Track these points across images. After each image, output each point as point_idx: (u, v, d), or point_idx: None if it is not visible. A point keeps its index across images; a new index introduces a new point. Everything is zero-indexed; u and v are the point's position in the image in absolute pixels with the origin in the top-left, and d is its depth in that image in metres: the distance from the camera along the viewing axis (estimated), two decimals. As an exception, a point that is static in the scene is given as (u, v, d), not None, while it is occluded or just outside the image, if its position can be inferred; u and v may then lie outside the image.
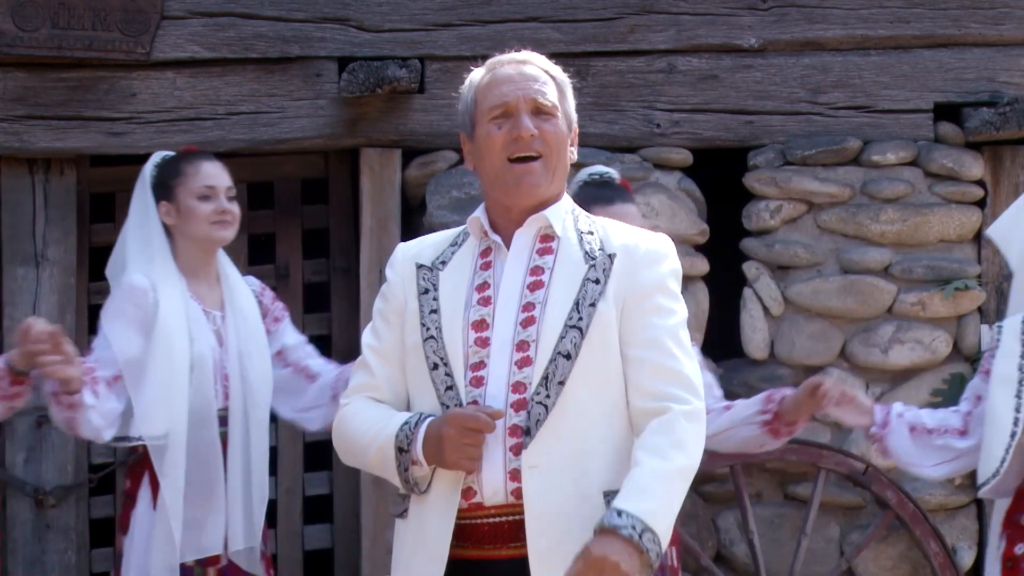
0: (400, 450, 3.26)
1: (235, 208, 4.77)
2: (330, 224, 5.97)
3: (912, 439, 4.52)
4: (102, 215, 5.88)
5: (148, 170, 4.81)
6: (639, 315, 3.30)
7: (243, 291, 4.81)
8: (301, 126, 5.69)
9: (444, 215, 5.52)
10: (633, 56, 5.80)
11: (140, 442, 4.58)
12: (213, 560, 4.63)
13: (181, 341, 4.59)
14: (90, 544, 5.75)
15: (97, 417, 4.48)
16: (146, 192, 4.78)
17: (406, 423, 3.27)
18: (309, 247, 5.99)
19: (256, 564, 4.69)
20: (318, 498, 5.98)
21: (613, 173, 4.85)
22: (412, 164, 5.75)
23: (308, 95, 5.69)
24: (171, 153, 4.87)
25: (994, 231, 4.77)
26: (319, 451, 5.93)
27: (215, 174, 4.76)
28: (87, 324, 5.80)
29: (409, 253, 3.45)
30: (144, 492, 4.61)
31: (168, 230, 4.76)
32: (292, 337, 4.90)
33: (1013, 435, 4.33)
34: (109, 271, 4.82)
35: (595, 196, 4.58)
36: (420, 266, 3.40)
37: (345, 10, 5.70)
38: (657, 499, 3.15)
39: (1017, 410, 4.34)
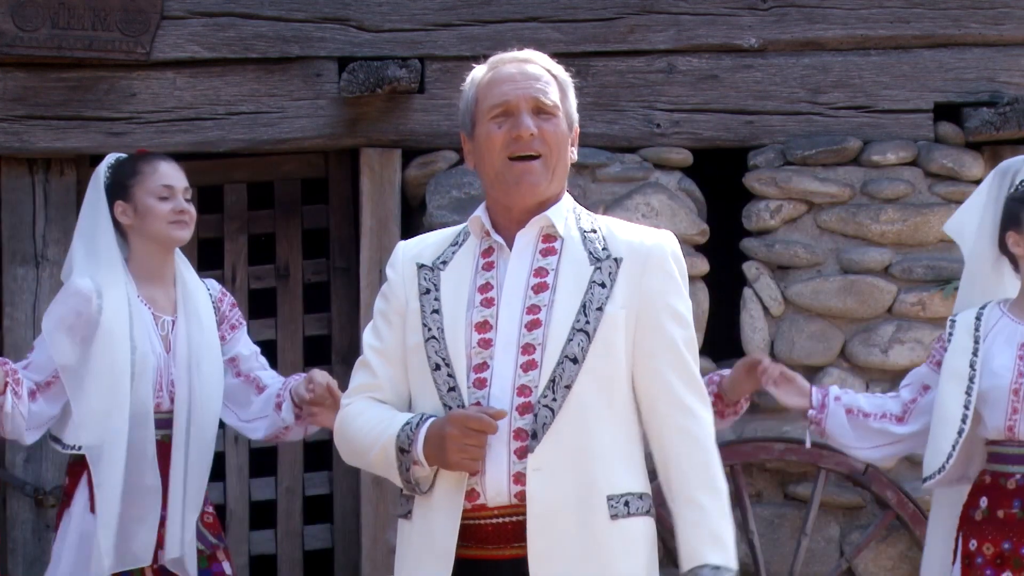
0: (401, 450, 3.25)
1: (192, 209, 4.69)
2: (330, 224, 5.97)
3: (849, 421, 4.54)
4: (102, 215, 5.88)
5: (102, 171, 4.71)
6: (655, 321, 3.31)
7: (199, 295, 4.73)
8: (301, 126, 5.70)
9: (444, 215, 5.52)
10: (633, 56, 5.80)
11: (77, 451, 4.51)
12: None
13: (122, 348, 4.51)
14: (90, 544, 5.74)
15: (19, 420, 4.44)
16: (99, 193, 4.68)
17: (407, 423, 3.26)
18: (309, 247, 5.99)
19: (187, 570, 4.58)
20: (318, 498, 5.98)
21: None
22: (412, 164, 5.75)
23: (308, 95, 5.70)
24: (123, 155, 4.79)
25: (949, 227, 4.78)
26: (319, 451, 5.93)
27: (173, 174, 4.68)
28: (87, 324, 5.81)
29: (410, 252, 3.43)
30: (81, 492, 4.56)
31: (122, 232, 4.67)
32: (246, 347, 4.81)
33: (961, 432, 4.35)
34: (63, 275, 4.73)
35: None
36: (421, 266, 3.38)
37: (345, 10, 5.70)
38: (732, 538, 3.26)
39: (966, 407, 4.36)
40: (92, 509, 4.51)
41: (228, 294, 4.85)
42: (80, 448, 4.50)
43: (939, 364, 4.48)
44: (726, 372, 4.65)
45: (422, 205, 5.74)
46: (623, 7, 5.78)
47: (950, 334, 4.47)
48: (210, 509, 4.71)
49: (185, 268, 4.75)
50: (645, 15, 5.79)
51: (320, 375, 4.58)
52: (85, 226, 4.70)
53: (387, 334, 3.38)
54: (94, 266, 4.60)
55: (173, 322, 4.65)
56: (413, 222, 5.74)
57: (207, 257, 5.91)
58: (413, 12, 5.72)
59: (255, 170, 5.93)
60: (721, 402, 4.61)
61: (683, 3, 5.80)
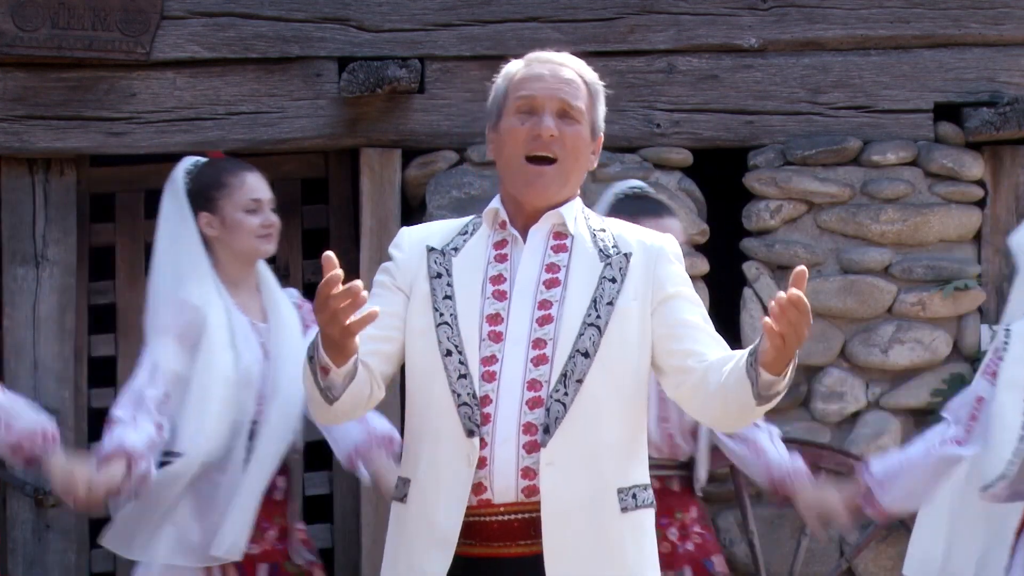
0: (310, 359, 3.21)
1: (277, 220, 4.67)
2: (330, 224, 5.97)
3: (903, 481, 4.47)
4: (102, 215, 5.88)
5: (180, 178, 4.64)
6: (675, 306, 3.32)
7: (284, 301, 4.69)
8: (301, 126, 5.70)
9: (444, 215, 5.52)
10: (633, 56, 5.80)
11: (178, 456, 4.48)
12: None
13: (224, 358, 4.48)
14: (90, 544, 5.75)
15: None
16: (181, 201, 4.62)
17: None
18: (309, 247, 5.99)
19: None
20: (318, 498, 5.98)
21: (648, 188, 4.88)
22: (412, 164, 5.76)
23: (308, 95, 5.70)
24: (200, 159, 4.71)
25: (1013, 240, 4.75)
26: (319, 451, 5.93)
27: (260, 187, 4.64)
28: (87, 324, 5.81)
29: (416, 235, 3.43)
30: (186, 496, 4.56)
31: (205, 241, 4.61)
32: None
33: (1022, 439, 4.31)
34: (153, 284, 4.64)
35: (641, 208, 4.58)
36: (431, 249, 3.38)
37: (345, 10, 5.71)
38: None
39: None
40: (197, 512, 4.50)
41: (306, 301, 4.73)
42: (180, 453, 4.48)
43: (994, 375, 4.42)
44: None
45: (422, 205, 5.74)
46: (623, 7, 5.78)
47: (1005, 343, 4.42)
48: (302, 526, 4.71)
49: (267, 274, 4.71)
50: (645, 15, 5.79)
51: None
52: (174, 235, 4.63)
53: (390, 301, 3.33)
54: (192, 275, 4.55)
55: (267, 329, 4.60)
56: (413, 222, 5.71)
57: (207, 257, 5.91)
58: (413, 12, 5.72)
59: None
60: None
61: (683, 3, 5.80)
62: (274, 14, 5.68)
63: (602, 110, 3.43)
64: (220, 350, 4.49)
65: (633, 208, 4.56)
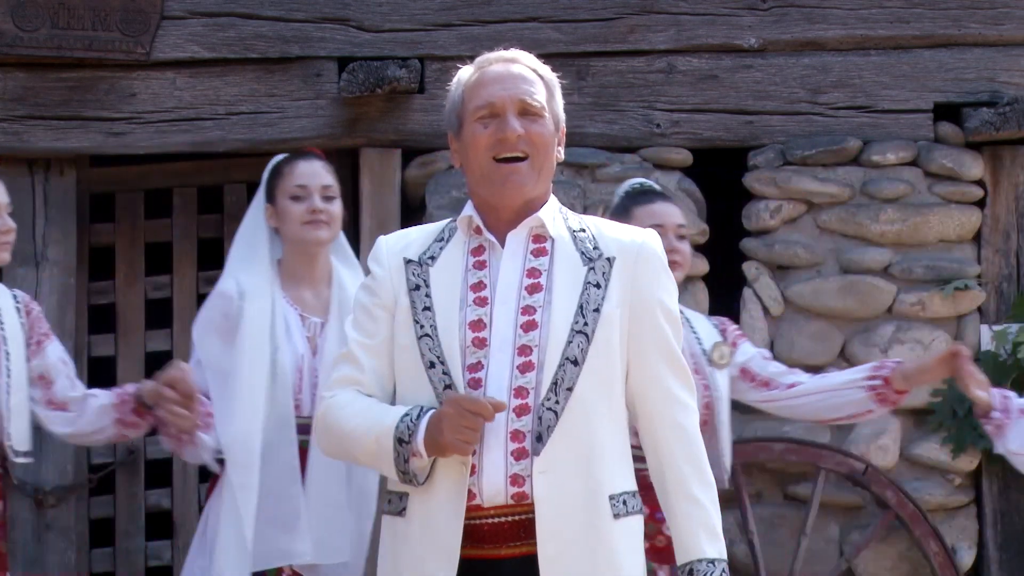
0: (400, 441, 3.22)
1: (333, 207, 4.64)
2: (330, 224, 5.97)
3: None
4: (102, 215, 5.88)
5: (265, 174, 4.72)
6: (650, 318, 3.33)
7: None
8: (301, 126, 5.70)
9: (444, 215, 5.51)
10: (633, 56, 5.80)
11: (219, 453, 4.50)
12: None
13: (262, 349, 4.47)
14: (90, 544, 5.75)
15: (205, 452, 4.46)
16: (260, 194, 4.72)
17: (407, 415, 3.23)
18: (309, 247, 5.98)
19: None
20: (318, 498, 5.97)
21: (649, 182, 4.90)
22: (412, 164, 5.76)
23: (308, 95, 5.70)
24: (286, 154, 4.80)
25: None
26: (319, 451, 5.92)
27: (308, 173, 4.63)
28: (87, 324, 5.81)
29: (394, 247, 3.41)
30: (215, 496, 4.54)
31: (279, 233, 4.66)
32: None
33: None
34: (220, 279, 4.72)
35: (636, 200, 4.67)
36: (408, 261, 3.37)
37: (345, 10, 5.71)
38: (721, 528, 3.32)
39: None
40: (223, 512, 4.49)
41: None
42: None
43: None
44: (896, 362, 4.76)
45: (422, 205, 5.74)
46: (623, 7, 5.78)
47: None
48: None
49: (346, 269, 4.69)
50: (645, 15, 5.79)
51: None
52: (245, 228, 4.71)
53: (372, 328, 3.35)
54: (243, 268, 4.59)
55: (322, 324, 4.59)
56: (413, 222, 5.72)
57: (207, 257, 5.91)
58: (413, 12, 5.72)
59: (255, 170, 5.90)
60: (889, 387, 4.66)
61: (683, 3, 5.80)
62: (274, 14, 5.68)
63: (560, 101, 3.42)
64: (258, 342, 4.48)
65: (631, 202, 4.62)
